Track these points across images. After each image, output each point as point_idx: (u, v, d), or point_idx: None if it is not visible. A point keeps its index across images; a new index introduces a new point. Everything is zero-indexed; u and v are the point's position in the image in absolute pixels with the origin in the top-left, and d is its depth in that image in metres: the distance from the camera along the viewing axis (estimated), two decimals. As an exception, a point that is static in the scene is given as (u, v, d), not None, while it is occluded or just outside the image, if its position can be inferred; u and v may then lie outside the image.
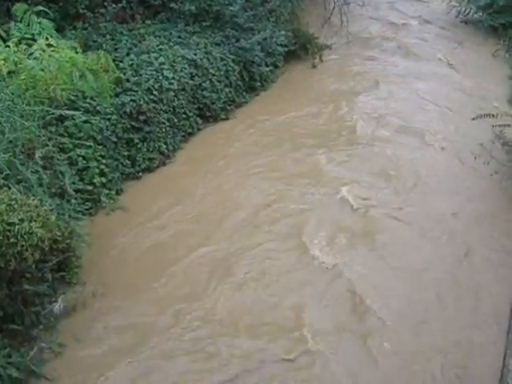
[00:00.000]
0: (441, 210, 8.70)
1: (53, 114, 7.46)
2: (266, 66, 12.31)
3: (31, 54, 6.53)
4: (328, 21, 15.06)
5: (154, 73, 9.81)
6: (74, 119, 8.37)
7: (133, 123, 9.21)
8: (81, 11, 10.40)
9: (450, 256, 7.83)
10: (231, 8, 11.58)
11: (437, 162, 9.99)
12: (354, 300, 7.01)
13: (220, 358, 6.24)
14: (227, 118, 11.10)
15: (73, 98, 8.23)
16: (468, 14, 16.83)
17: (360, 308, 6.91)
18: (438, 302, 7.05)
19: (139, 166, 9.28)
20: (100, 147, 8.59)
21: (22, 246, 5.69)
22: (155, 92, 9.59)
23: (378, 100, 12.19)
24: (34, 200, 6.24)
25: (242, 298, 7.08)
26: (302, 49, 13.65)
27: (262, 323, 6.71)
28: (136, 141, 9.25)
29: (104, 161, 8.56)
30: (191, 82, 10.39)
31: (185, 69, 10.33)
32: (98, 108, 8.80)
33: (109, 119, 8.87)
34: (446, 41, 15.54)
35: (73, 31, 10.08)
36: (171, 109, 9.88)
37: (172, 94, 9.86)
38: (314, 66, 13.48)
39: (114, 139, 8.90)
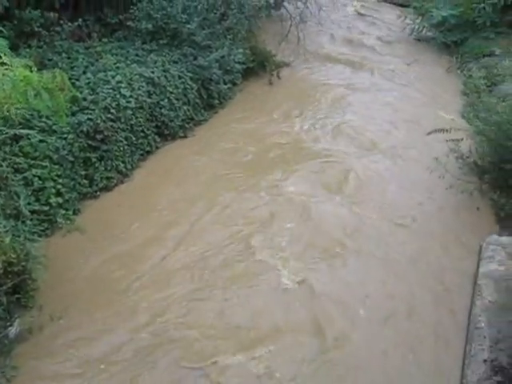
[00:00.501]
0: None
1: (7, 133, 7.34)
2: (224, 83, 12.33)
3: (-16, 72, 6.41)
4: (285, 38, 15.22)
5: (111, 91, 9.71)
6: (29, 139, 8.23)
7: (90, 142, 9.09)
8: (36, 29, 10.23)
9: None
10: (188, 26, 11.59)
11: (392, 175, 10.19)
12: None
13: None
14: (186, 136, 11.07)
15: (28, 116, 8.17)
16: (421, 31, 17.31)
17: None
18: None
19: (97, 185, 9.17)
20: (56, 167, 8.46)
21: (-25, 269, 5.56)
22: (113, 110, 9.49)
23: (334, 114, 12.37)
24: (-13, 222, 6.12)
25: (202, 309, 7.10)
26: (259, 66, 13.76)
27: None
28: (93, 160, 9.14)
29: (60, 181, 8.43)
30: (149, 100, 10.32)
31: (142, 87, 10.26)
32: (53, 127, 8.69)
33: (65, 138, 8.74)
34: (401, 57, 15.91)
35: (27, 49, 9.88)
36: (129, 127, 9.79)
37: (130, 112, 9.78)
38: (271, 83, 13.61)
39: (71, 158, 8.76)
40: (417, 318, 7.06)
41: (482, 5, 15.65)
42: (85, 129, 9.00)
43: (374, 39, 17.10)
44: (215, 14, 12.56)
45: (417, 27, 17.36)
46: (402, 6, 20.21)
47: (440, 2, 17.16)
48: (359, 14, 19.66)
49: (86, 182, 9.04)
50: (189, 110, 11.24)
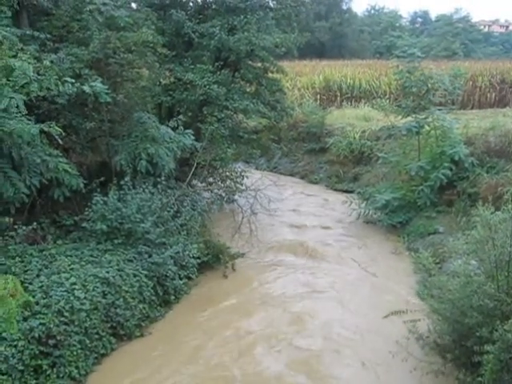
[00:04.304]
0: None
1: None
2: (180, 278, 12.36)
3: None
4: (238, 230, 15.64)
5: (64, 294, 9.59)
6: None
7: (42, 348, 8.76)
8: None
9: None
10: (143, 225, 11.84)
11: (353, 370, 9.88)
12: None
13: None
14: (142, 335, 10.78)
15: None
16: (367, 214, 18.13)
17: None
18: None
19: (47, 395, 8.67)
20: (4, 377, 8.04)
21: None
22: (66, 313, 9.30)
23: (292, 305, 12.30)
24: None
25: None
26: (214, 259, 13.86)
27: None
28: (45, 367, 8.73)
29: (7, 393, 7.96)
30: (104, 300, 10.18)
31: (97, 287, 10.17)
32: (3, 334, 8.38)
33: (15, 346, 8.42)
34: (350, 242, 16.42)
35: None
36: (83, 330, 9.53)
37: (84, 314, 9.57)
38: (225, 276, 13.64)
39: (21, 367, 8.37)
40: None
41: (421, 187, 16.73)
42: (37, 334, 8.72)
43: (325, 226, 17.75)
44: (169, 211, 12.95)
45: (363, 211, 18.21)
46: (346, 191, 21.53)
47: (382, 187, 18.26)
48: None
49: (36, 392, 8.54)
50: (145, 308, 11.08)
